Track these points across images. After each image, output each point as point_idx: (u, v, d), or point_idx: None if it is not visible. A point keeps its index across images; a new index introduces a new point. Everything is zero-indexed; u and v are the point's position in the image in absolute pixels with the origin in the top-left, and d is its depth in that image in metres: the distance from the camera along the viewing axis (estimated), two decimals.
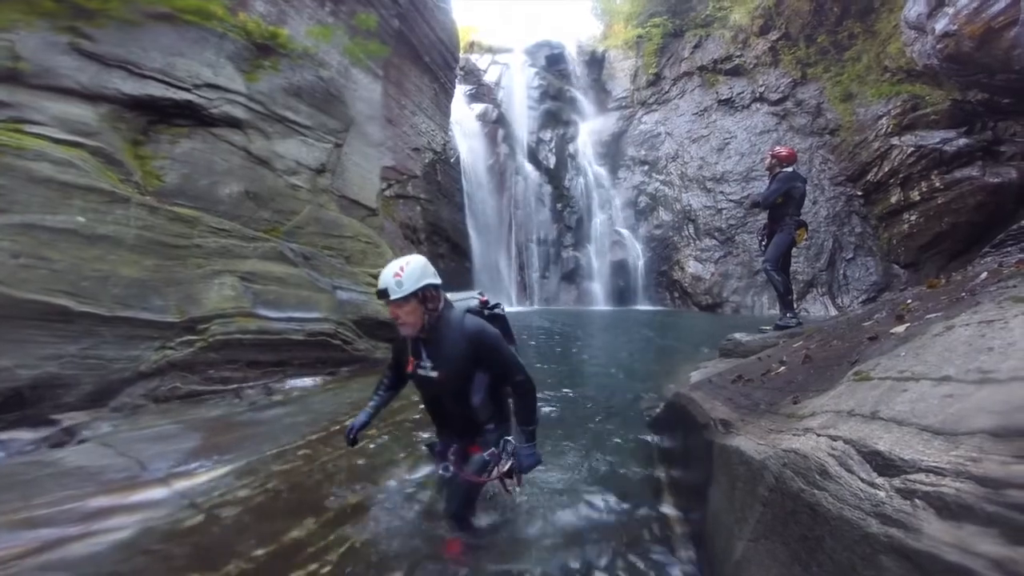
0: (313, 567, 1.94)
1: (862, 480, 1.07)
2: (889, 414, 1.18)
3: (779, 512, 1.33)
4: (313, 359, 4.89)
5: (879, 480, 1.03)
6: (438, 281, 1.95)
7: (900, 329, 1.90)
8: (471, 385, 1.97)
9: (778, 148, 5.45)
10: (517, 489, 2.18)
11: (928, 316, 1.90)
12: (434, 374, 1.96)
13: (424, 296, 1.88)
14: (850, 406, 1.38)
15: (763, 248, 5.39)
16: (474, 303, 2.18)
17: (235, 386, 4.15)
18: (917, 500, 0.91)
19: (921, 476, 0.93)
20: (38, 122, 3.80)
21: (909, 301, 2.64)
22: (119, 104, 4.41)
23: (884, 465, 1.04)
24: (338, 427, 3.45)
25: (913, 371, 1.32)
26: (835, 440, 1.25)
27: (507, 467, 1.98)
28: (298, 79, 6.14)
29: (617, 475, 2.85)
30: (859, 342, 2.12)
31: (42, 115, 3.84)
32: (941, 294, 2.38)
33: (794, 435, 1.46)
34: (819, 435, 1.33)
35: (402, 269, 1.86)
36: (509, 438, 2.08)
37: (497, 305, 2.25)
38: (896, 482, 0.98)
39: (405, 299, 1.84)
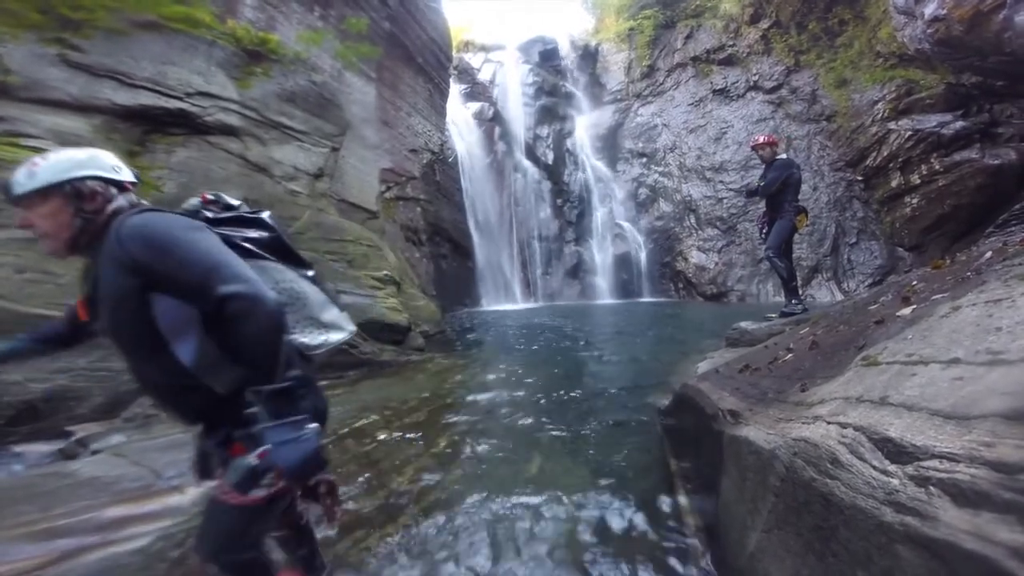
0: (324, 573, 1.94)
1: (874, 468, 1.06)
2: (899, 399, 1.17)
3: (791, 502, 1.32)
4: (319, 364, 4.89)
5: (892, 467, 1.02)
6: (114, 176, 1.23)
7: (906, 311, 1.88)
8: (153, 328, 1.11)
9: (759, 137, 5.49)
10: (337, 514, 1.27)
11: (934, 297, 1.88)
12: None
13: (76, 192, 1.15)
14: (859, 392, 1.36)
15: (764, 236, 5.38)
16: (192, 203, 1.36)
17: None
18: (932, 487, 0.89)
19: (935, 462, 0.92)
20: (32, 135, 3.80)
21: (914, 283, 2.63)
22: (112, 115, 4.42)
23: (896, 452, 1.03)
24: (346, 430, 3.46)
25: (921, 354, 1.31)
26: (845, 427, 1.24)
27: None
28: (291, 84, 6.13)
29: (627, 467, 2.85)
30: (866, 326, 2.11)
31: (35, 128, 3.85)
32: (946, 275, 2.36)
33: (803, 423, 1.45)
34: (829, 423, 1.32)
35: (44, 158, 1.16)
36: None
37: (238, 205, 1.43)
38: (909, 469, 0.97)
39: (34, 195, 1.12)
